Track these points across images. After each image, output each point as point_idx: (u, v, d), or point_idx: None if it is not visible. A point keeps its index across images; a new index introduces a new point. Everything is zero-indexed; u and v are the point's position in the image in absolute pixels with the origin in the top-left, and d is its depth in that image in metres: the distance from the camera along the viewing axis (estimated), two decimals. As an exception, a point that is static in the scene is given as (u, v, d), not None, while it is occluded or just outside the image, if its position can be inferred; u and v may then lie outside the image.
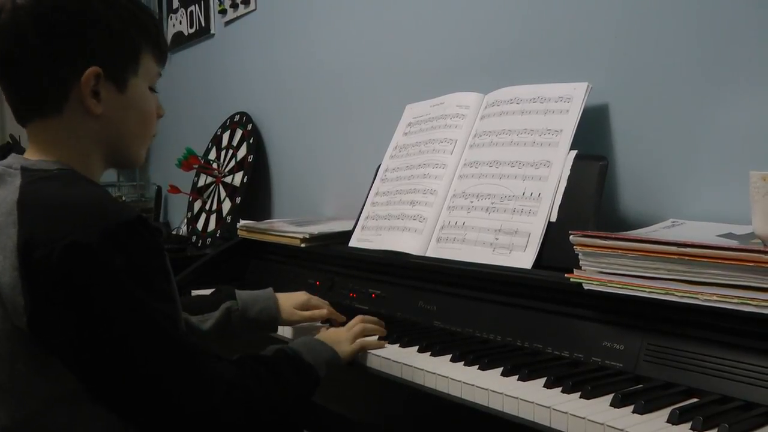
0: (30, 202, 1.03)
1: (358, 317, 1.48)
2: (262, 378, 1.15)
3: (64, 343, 1.00)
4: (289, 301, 1.60)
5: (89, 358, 1.00)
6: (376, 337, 1.45)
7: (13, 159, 1.12)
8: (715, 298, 1.05)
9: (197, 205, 3.08)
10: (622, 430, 0.97)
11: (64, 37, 1.09)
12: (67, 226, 0.98)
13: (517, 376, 1.18)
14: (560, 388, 1.12)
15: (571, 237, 1.24)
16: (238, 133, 2.95)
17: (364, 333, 1.43)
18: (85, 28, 1.11)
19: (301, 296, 1.62)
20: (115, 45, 1.13)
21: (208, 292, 2.05)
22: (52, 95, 1.11)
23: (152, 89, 1.22)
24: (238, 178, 2.82)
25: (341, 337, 1.38)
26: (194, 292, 2.09)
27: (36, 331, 0.99)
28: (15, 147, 3.37)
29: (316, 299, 1.63)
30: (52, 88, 1.11)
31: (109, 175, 3.87)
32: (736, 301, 1.03)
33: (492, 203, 1.56)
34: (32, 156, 1.14)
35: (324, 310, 1.60)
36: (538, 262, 1.44)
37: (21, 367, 1.01)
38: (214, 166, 3.01)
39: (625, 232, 1.25)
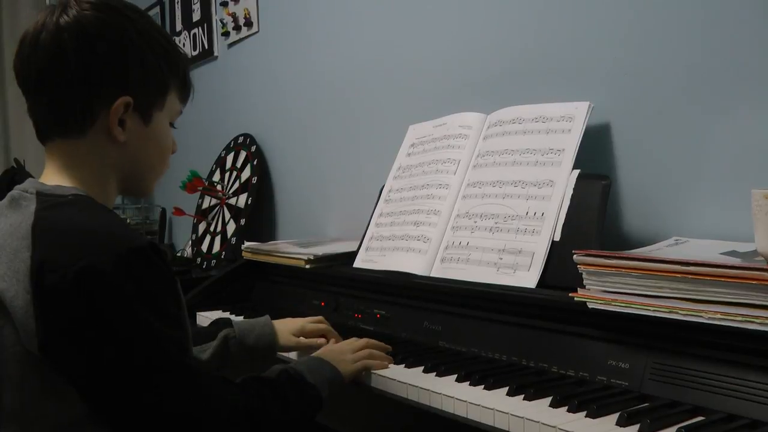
0: (44, 227, 1.04)
1: (365, 340, 1.47)
2: (267, 400, 1.16)
3: (75, 368, 1.00)
4: (286, 326, 1.59)
5: (99, 382, 1.01)
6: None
7: (29, 183, 1.13)
8: (719, 316, 1.05)
9: (202, 227, 3.08)
10: (628, 449, 0.97)
11: (102, 63, 1.12)
12: (79, 252, 0.99)
13: (523, 396, 1.18)
14: (566, 408, 1.12)
15: (574, 256, 1.24)
16: (242, 154, 2.96)
17: (367, 347, 1.43)
18: (123, 58, 1.13)
19: (297, 321, 1.61)
20: (147, 78, 1.16)
21: (213, 313, 2.07)
22: (79, 117, 1.13)
23: (172, 125, 1.26)
24: (242, 200, 2.83)
25: (345, 356, 1.38)
26: (199, 314, 2.10)
27: (47, 354, 1.00)
28: (20, 171, 3.38)
29: (311, 325, 1.61)
30: (80, 111, 1.13)
31: (114, 198, 3.88)
32: (740, 319, 1.03)
33: (495, 223, 1.57)
34: (49, 179, 1.15)
35: (322, 339, 1.59)
36: (542, 281, 1.44)
37: (31, 390, 1.02)
38: (219, 188, 3.02)
39: (628, 251, 1.26)
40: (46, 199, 1.09)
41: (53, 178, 1.15)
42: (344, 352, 1.40)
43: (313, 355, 1.40)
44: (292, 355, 1.60)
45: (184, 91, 1.26)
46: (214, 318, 2.00)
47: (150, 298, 1.02)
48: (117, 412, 1.03)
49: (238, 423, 1.09)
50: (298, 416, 1.21)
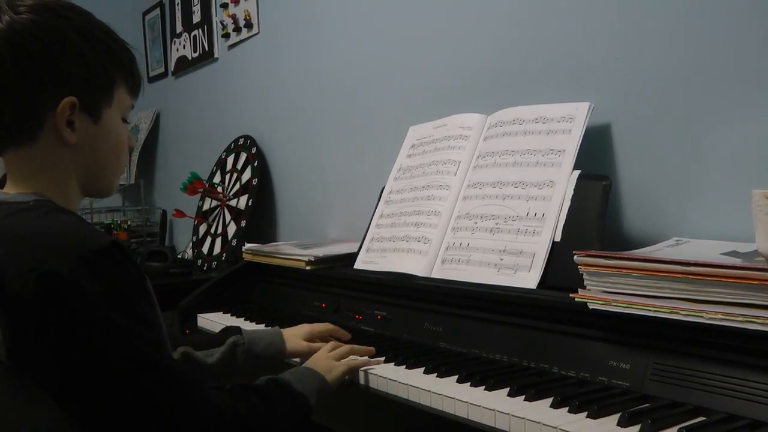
0: (4, 234, 1.03)
1: (348, 346, 1.48)
2: (253, 404, 1.15)
3: (46, 374, 0.99)
4: (295, 332, 1.60)
5: (72, 387, 0.99)
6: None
7: None
8: (720, 316, 1.05)
9: (202, 228, 3.09)
10: (629, 449, 0.97)
11: (40, 66, 1.09)
12: (40, 257, 0.98)
13: (523, 397, 1.18)
14: (567, 408, 1.12)
15: (575, 257, 1.24)
16: (243, 156, 2.96)
17: (351, 354, 1.43)
18: (61, 58, 1.10)
19: (303, 327, 1.63)
20: (90, 76, 1.13)
21: (214, 315, 2.07)
22: (26, 124, 1.11)
23: (124, 120, 1.23)
24: (242, 202, 2.83)
25: (329, 362, 1.38)
26: (200, 316, 2.10)
27: (16, 362, 0.99)
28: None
29: (320, 327, 1.63)
30: (26, 117, 1.10)
31: (114, 200, 3.89)
32: (741, 319, 1.03)
33: (496, 224, 1.57)
34: (11, 189, 1.14)
35: (333, 342, 1.58)
36: (543, 281, 1.44)
37: (3, 399, 1.01)
38: (219, 189, 3.02)
39: (629, 252, 1.25)
40: (7, 207, 1.08)
41: (14, 187, 1.14)
42: (328, 358, 1.40)
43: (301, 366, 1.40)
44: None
45: (133, 84, 1.22)
46: (215, 319, 2.01)
47: (117, 299, 1.01)
48: (94, 415, 1.01)
49: (224, 424, 1.08)
50: (285, 422, 1.20)
